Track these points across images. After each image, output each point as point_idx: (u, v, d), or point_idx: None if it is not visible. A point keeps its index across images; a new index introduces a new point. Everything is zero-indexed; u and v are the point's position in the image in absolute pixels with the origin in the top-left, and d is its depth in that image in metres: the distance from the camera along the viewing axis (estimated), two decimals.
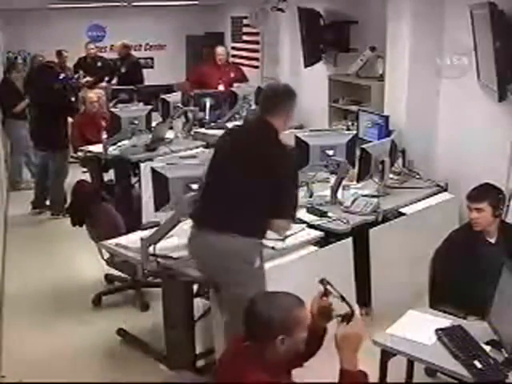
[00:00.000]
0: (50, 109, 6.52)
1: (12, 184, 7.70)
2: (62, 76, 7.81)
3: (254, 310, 2.25)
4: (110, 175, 6.18)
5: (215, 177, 3.17)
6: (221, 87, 7.92)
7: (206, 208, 3.19)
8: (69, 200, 5.28)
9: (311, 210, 4.29)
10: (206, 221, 3.15)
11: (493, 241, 3.46)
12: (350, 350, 2.23)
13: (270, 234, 3.36)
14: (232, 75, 8.25)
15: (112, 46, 11.76)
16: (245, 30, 10.73)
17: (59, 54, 9.49)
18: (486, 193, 3.46)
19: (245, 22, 10.44)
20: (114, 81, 9.01)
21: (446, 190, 4.98)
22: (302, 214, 4.28)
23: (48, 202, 6.89)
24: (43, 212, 6.84)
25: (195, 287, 3.79)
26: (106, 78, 9.58)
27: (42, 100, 6.66)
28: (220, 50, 8.41)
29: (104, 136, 6.16)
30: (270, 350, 2.21)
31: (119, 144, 5.94)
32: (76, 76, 8.98)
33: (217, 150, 3.29)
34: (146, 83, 8.97)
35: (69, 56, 9.55)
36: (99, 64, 9.56)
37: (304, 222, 4.15)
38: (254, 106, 7.09)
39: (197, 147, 6.25)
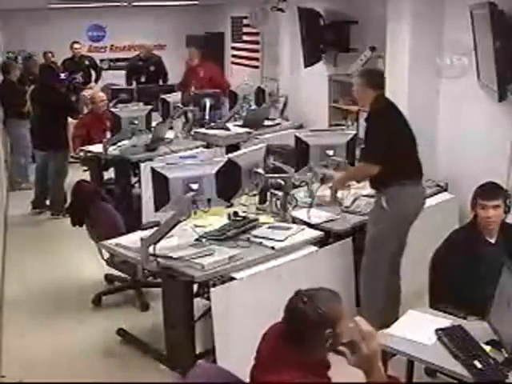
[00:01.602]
0: (51, 109, 6.52)
1: (12, 184, 7.70)
2: (63, 76, 7.82)
3: (299, 308, 2.23)
4: (109, 174, 6.19)
5: (408, 142, 3.97)
6: (192, 88, 7.84)
7: (415, 165, 3.99)
8: (69, 200, 5.28)
9: None
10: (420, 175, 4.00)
11: (493, 241, 3.45)
12: (376, 366, 2.15)
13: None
14: (201, 75, 8.24)
15: (112, 45, 11.79)
16: (245, 30, 10.72)
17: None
18: (498, 190, 3.48)
19: (245, 22, 10.43)
20: (143, 79, 9.00)
21: (445, 190, 4.98)
22: (302, 213, 4.28)
23: (48, 202, 6.89)
24: (43, 212, 6.84)
25: (195, 287, 3.78)
26: (93, 78, 9.58)
27: (43, 100, 6.65)
28: (188, 51, 8.49)
29: (108, 136, 6.16)
30: (313, 348, 2.20)
31: (119, 144, 5.94)
32: (78, 76, 8.97)
33: (394, 125, 3.95)
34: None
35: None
36: (87, 63, 9.55)
37: (304, 222, 4.15)
38: (253, 106, 7.08)
39: (197, 147, 6.25)
